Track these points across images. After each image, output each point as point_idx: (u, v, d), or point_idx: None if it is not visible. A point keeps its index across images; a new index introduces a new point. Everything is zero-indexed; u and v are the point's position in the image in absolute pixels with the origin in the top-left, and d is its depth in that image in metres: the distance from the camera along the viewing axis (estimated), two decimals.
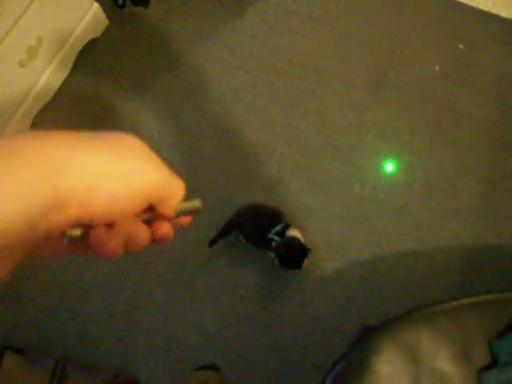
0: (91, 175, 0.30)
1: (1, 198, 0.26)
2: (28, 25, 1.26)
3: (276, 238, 1.24)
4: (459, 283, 1.34)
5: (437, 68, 1.58)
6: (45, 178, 0.28)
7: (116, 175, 0.31)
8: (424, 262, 1.36)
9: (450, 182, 1.44)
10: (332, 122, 1.51)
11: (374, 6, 1.66)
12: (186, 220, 0.38)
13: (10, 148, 0.28)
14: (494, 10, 1.64)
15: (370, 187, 1.44)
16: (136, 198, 0.32)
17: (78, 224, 0.31)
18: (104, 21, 1.60)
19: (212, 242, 1.33)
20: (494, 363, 0.82)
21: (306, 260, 1.24)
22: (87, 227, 0.32)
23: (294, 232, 1.26)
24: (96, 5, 1.52)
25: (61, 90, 1.53)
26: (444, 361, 0.82)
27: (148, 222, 0.35)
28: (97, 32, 1.58)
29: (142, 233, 0.34)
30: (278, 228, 1.25)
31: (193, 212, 0.38)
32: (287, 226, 1.26)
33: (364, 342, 0.85)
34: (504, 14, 1.64)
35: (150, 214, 0.35)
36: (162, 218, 0.35)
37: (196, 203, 0.38)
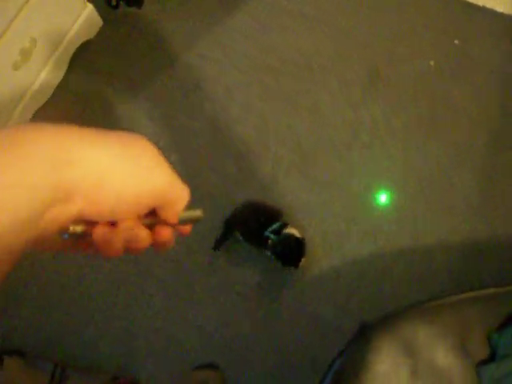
0: (98, 170, 0.29)
1: (1, 189, 0.26)
2: (21, 26, 1.26)
3: (272, 236, 1.23)
4: (457, 278, 1.33)
5: (432, 63, 1.57)
6: (47, 170, 0.27)
7: (124, 173, 0.30)
8: (421, 258, 1.36)
9: (445, 176, 1.44)
10: (326, 119, 1.51)
11: (368, 3, 1.66)
12: (186, 229, 0.38)
13: (12, 139, 0.28)
14: (488, 5, 1.64)
15: (365, 184, 1.43)
16: (142, 199, 0.32)
17: (80, 220, 0.31)
18: (98, 22, 1.59)
19: (216, 246, 1.33)
20: (492, 357, 0.81)
21: (303, 258, 1.24)
22: (90, 224, 0.31)
23: (291, 230, 1.25)
24: (90, 6, 1.51)
25: (55, 92, 1.52)
26: (442, 355, 0.81)
27: (150, 227, 0.35)
28: (91, 33, 1.58)
29: (144, 235, 0.34)
30: (274, 226, 1.25)
31: (194, 221, 0.38)
32: (284, 225, 1.26)
33: (362, 338, 0.85)
34: (499, 8, 1.64)
35: (153, 218, 0.35)
36: (165, 223, 0.35)
37: (198, 212, 0.38)
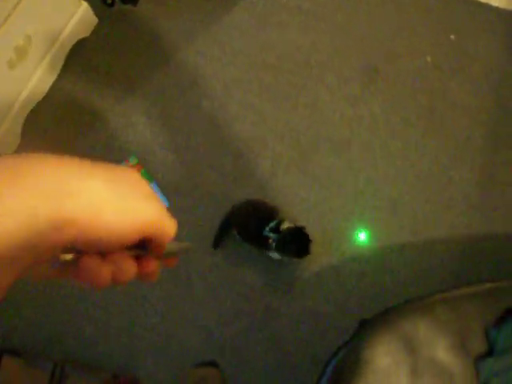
0: (95, 202, 0.31)
1: (2, 216, 0.27)
2: (16, 24, 1.25)
3: (271, 234, 1.23)
4: (456, 274, 1.34)
5: (428, 59, 1.57)
6: (47, 201, 0.29)
7: (117, 206, 0.32)
8: (420, 254, 1.37)
9: (443, 172, 1.44)
10: (324, 115, 1.50)
11: None
12: (172, 261, 0.39)
13: (15, 170, 0.29)
14: (484, 0, 1.64)
15: (364, 179, 1.43)
16: (131, 232, 0.33)
17: (70, 249, 0.32)
18: (93, 20, 1.58)
19: (215, 244, 1.33)
20: (490, 352, 0.82)
21: (311, 244, 1.22)
22: (79, 254, 0.32)
23: (289, 225, 1.25)
24: (84, 4, 1.51)
25: (52, 90, 1.52)
26: (442, 351, 0.82)
27: (137, 258, 0.36)
28: (86, 31, 1.57)
29: (130, 267, 0.35)
30: (272, 224, 1.24)
31: (180, 253, 0.39)
32: (281, 222, 1.25)
33: (361, 334, 0.85)
34: (495, 3, 1.64)
35: (140, 250, 0.36)
36: (151, 255, 0.36)
37: (185, 245, 0.39)
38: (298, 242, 1.23)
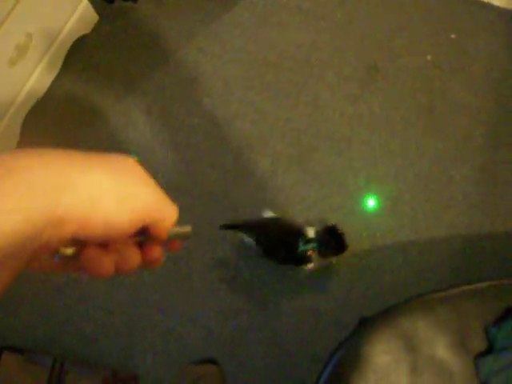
0: (90, 195, 0.30)
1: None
2: (16, 22, 1.25)
3: (309, 246, 1.19)
4: (456, 272, 1.34)
5: (429, 58, 1.57)
6: (42, 196, 0.28)
7: (113, 196, 0.31)
8: (420, 253, 1.37)
9: (444, 171, 1.44)
10: (325, 114, 1.50)
11: None
12: (176, 246, 0.39)
13: (9, 166, 0.28)
14: None
15: (364, 178, 1.44)
16: (131, 220, 0.32)
17: (72, 242, 0.31)
18: (94, 17, 1.58)
19: (226, 227, 1.25)
20: (490, 350, 0.82)
21: (344, 237, 1.21)
22: (81, 246, 0.32)
23: (310, 232, 1.22)
24: (84, 1, 1.50)
25: (52, 88, 1.51)
26: (442, 349, 0.82)
27: (140, 245, 0.36)
28: (87, 28, 1.57)
29: (134, 255, 0.34)
30: (301, 241, 1.20)
31: (183, 237, 0.39)
32: (305, 233, 1.21)
33: (361, 331, 0.85)
34: (496, 2, 1.64)
35: (142, 236, 0.35)
36: (154, 240, 0.36)
37: (187, 228, 0.39)
38: (333, 241, 1.21)
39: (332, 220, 1.38)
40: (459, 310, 0.85)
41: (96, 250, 0.32)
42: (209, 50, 1.58)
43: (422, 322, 0.83)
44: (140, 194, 0.33)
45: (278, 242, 1.23)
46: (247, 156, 1.46)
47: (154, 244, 0.36)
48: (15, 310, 1.32)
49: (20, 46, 1.31)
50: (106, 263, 0.32)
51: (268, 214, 1.28)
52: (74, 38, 1.53)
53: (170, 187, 1.44)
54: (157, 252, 0.37)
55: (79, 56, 1.56)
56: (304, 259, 1.21)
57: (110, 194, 0.31)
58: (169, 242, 0.37)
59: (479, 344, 0.82)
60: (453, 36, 1.60)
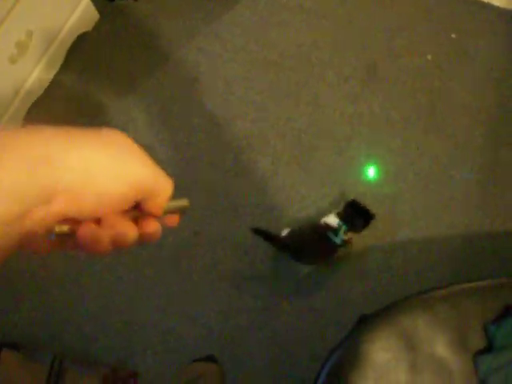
0: (81, 170, 0.30)
1: None
2: (17, 19, 1.25)
3: (342, 233, 1.21)
4: (455, 272, 1.34)
5: (429, 57, 1.58)
6: (26, 172, 0.28)
7: (106, 171, 0.31)
8: (420, 252, 1.37)
9: (444, 171, 1.44)
10: (325, 113, 1.51)
11: None
12: (173, 220, 0.38)
13: (3, 143, 0.28)
14: None
15: (364, 177, 1.44)
16: (125, 194, 0.32)
17: (65, 220, 0.31)
18: (94, 15, 1.58)
19: (257, 232, 1.21)
20: (489, 348, 0.82)
21: (367, 208, 1.25)
22: (75, 223, 0.32)
23: (331, 219, 1.25)
24: None
25: (52, 86, 1.51)
26: (441, 347, 0.82)
27: (136, 221, 0.35)
28: (87, 26, 1.57)
29: (130, 230, 0.34)
30: (331, 234, 1.22)
31: (180, 210, 0.38)
32: (329, 227, 1.23)
33: (361, 329, 0.85)
34: (496, 2, 1.64)
35: (138, 211, 0.35)
36: (150, 215, 0.35)
37: (183, 202, 0.38)
38: (359, 214, 1.25)
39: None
40: (459, 309, 0.85)
41: (91, 226, 0.32)
42: (209, 49, 1.58)
43: (421, 320, 0.84)
44: (134, 169, 0.33)
45: (313, 248, 1.25)
46: (248, 155, 1.46)
47: (150, 218, 0.36)
48: (15, 307, 1.32)
49: (20, 44, 1.31)
50: (102, 239, 0.32)
51: (286, 231, 1.28)
52: (75, 36, 1.53)
53: None
54: (153, 226, 0.36)
55: (80, 54, 1.56)
56: (345, 244, 1.24)
57: (104, 168, 0.31)
58: (165, 215, 0.37)
59: (478, 342, 0.83)
60: (453, 36, 1.60)
